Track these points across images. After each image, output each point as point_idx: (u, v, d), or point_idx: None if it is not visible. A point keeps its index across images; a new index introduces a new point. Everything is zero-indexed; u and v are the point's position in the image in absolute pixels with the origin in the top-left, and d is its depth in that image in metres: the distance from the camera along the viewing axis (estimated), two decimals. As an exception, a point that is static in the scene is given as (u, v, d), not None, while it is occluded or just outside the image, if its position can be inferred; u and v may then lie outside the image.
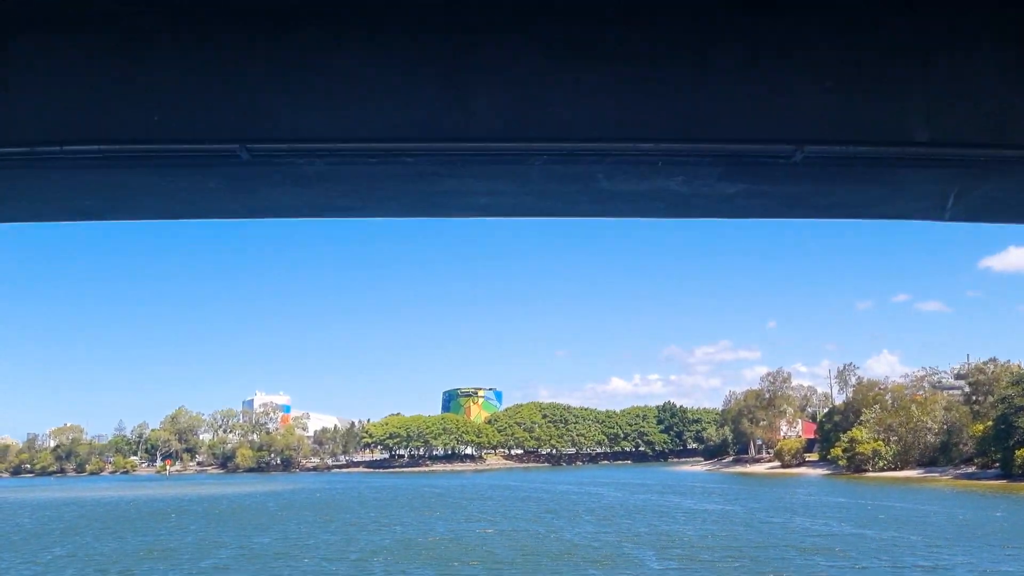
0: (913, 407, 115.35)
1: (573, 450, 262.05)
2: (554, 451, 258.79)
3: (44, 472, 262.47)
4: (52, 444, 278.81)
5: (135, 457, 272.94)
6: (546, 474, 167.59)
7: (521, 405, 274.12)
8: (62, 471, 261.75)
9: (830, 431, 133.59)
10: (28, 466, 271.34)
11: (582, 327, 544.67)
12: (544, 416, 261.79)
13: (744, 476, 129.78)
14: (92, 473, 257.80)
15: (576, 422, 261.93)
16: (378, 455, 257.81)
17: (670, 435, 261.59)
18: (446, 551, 39.35)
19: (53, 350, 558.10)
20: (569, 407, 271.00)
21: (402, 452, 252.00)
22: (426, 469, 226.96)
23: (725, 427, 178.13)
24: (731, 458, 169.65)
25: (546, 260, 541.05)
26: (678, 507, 61.72)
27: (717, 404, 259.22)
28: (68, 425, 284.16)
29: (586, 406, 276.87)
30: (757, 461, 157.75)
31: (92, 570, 35.73)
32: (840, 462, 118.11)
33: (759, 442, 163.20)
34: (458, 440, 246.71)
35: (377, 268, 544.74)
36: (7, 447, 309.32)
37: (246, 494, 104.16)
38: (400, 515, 61.59)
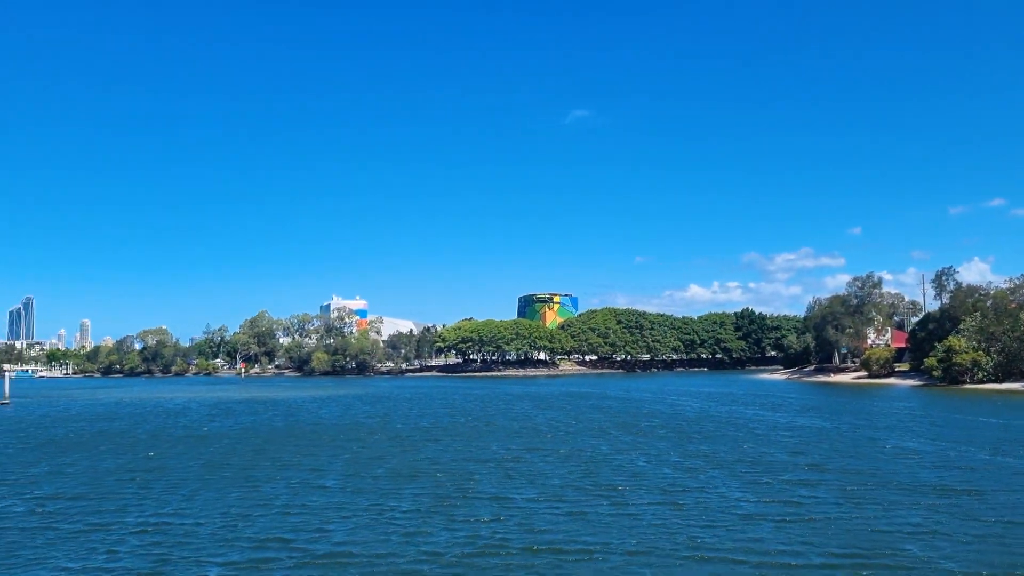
0: (1022, 314, 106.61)
1: (648, 357, 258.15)
2: (628, 358, 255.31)
3: (132, 373, 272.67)
4: (139, 346, 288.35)
5: (217, 360, 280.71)
6: (620, 380, 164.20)
7: (595, 311, 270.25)
8: (149, 372, 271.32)
9: (923, 340, 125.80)
10: (118, 367, 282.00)
11: (662, 233, 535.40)
12: (619, 322, 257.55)
13: (829, 386, 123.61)
14: (177, 374, 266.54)
15: (651, 328, 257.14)
16: (452, 359, 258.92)
17: (748, 342, 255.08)
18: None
19: (146, 255, 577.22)
20: (645, 313, 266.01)
21: (475, 356, 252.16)
22: (498, 374, 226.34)
23: (807, 334, 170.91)
24: (813, 367, 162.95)
25: (625, 166, 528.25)
26: (772, 423, 56.69)
27: (797, 312, 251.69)
28: (155, 328, 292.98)
29: (663, 312, 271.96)
30: (842, 370, 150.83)
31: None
32: (935, 373, 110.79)
33: (844, 350, 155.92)
34: (531, 345, 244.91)
35: (454, 171, 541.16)
36: (98, 349, 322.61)
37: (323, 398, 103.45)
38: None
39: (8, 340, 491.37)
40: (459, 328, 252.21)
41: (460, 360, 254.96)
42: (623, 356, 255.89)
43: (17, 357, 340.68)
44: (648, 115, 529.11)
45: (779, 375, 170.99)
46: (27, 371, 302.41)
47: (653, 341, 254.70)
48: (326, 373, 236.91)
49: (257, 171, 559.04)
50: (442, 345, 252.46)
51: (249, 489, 29.65)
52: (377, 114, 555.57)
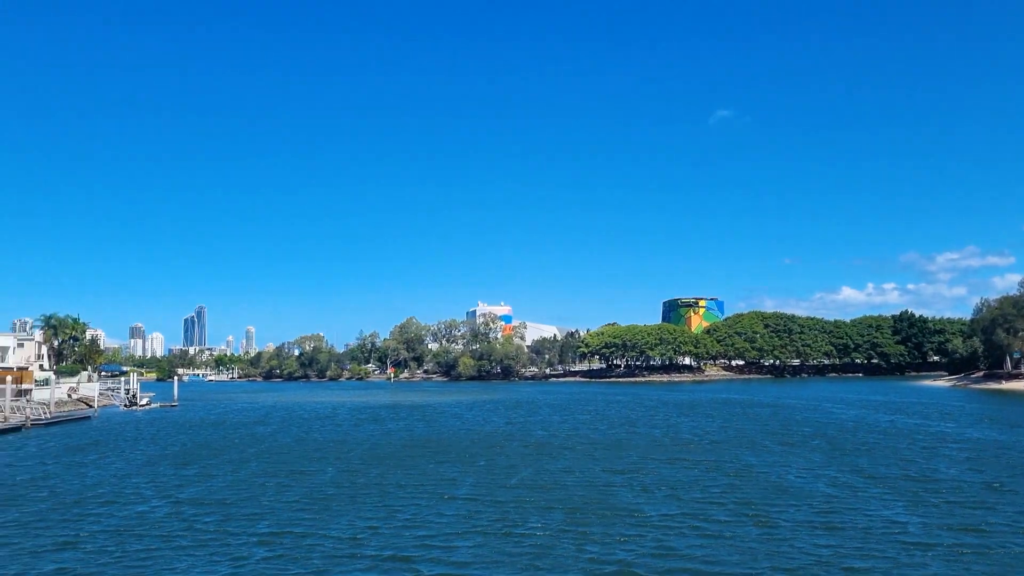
0: None
1: (797, 361, 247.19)
2: (777, 363, 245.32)
3: (290, 377, 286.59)
4: (297, 352, 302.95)
5: (368, 365, 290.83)
6: (769, 386, 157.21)
7: (742, 314, 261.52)
8: (306, 376, 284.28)
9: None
10: (277, 371, 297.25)
11: (811, 233, 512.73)
12: (766, 326, 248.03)
13: (1002, 393, 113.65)
14: (331, 379, 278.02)
15: (801, 332, 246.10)
16: (595, 364, 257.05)
17: (907, 347, 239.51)
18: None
19: (305, 265, 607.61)
20: (794, 316, 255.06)
21: (618, 362, 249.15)
22: (642, 379, 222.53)
23: (974, 338, 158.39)
24: (981, 373, 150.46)
25: (770, 165, 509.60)
26: (939, 435, 52.07)
27: (962, 314, 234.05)
28: (312, 335, 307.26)
29: (813, 316, 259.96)
30: (1015, 376, 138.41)
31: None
32: None
33: (1017, 355, 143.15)
34: (675, 350, 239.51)
35: (598, 175, 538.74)
36: (260, 354, 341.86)
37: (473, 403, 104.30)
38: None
39: (183, 346, 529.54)
40: (602, 333, 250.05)
41: (604, 365, 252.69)
42: (771, 361, 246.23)
43: (189, 362, 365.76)
44: (793, 112, 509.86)
45: (943, 382, 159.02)
46: (198, 375, 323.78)
47: (803, 345, 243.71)
48: (472, 378, 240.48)
49: (407, 184, 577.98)
50: (585, 350, 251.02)
51: (380, 498, 29.35)
52: (524, 121, 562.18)
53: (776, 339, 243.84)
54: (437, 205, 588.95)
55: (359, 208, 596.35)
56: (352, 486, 32.20)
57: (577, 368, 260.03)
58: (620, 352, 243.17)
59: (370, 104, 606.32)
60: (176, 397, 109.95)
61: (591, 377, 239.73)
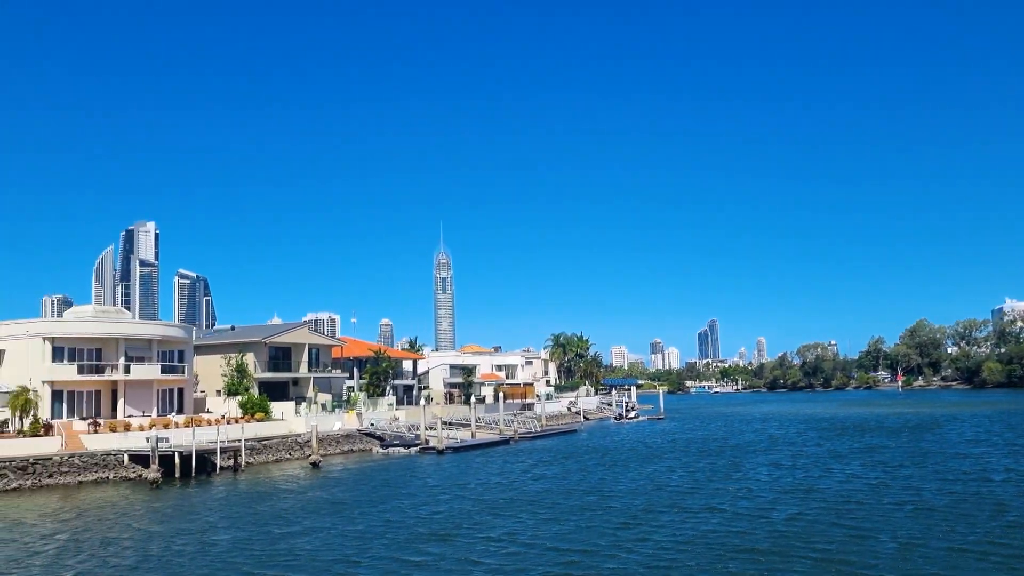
0: None
1: None
2: None
3: (794, 387, 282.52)
4: (798, 361, 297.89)
5: (879, 372, 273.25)
6: None
7: None
8: (810, 386, 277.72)
9: None
10: (781, 381, 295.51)
11: None
12: None
13: None
14: (837, 388, 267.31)
15: None
16: None
17: None
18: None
19: (812, 270, 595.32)
20: None
21: None
22: None
23: None
24: None
25: None
26: None
27: None
28: (814, 343, 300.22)
29: None
30: None
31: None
32: None
33: None
34: None
35: None
36: (763, 365, 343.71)
37: None
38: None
39: (697, 359, 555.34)
40: None
41: None
42: None
43: (697, 375, 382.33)
44: None
45: None
46: (703, 387, 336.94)
47: None
48: (999, 385, 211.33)
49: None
50: None
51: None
52: None
53: None
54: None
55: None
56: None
57: None
58: None
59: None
60: (662, 410, 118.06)
61: None
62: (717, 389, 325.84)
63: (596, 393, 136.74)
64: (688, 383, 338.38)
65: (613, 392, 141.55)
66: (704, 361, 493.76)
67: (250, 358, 69.75)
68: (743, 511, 31.56)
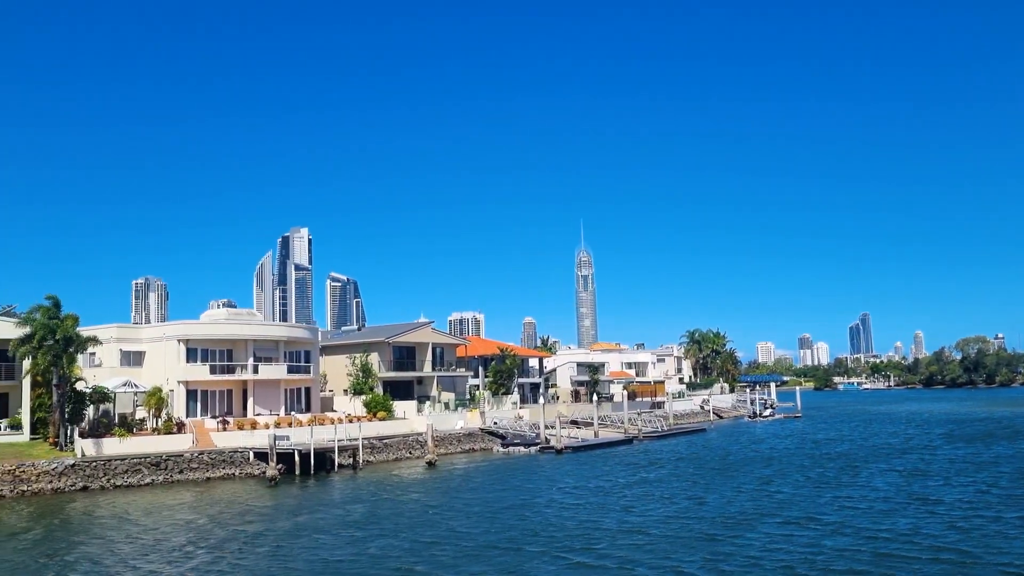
0: None
1: None
2: None
3: (953, 383, 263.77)
4: (958, 356, 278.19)
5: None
6: None
7: None
8: (971, 382, 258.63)
9: None
10: (938, 377, 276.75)
11: None
12: None
13: None
14: (1001, 384, 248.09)
15: None
16: None
17: None
18: None
19: (973, 258, 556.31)
20: None
21: None
22: None
23: None
24: None
25: None
26: None
27: None
28: (975, 336, 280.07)
29: None
30: None
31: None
32: None
33: None
34: None
35: None
36: (917, 360, 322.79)
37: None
38: None
39: (849, 354, 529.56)
40: None
41: None
42: None
43: (846, 370, 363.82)
44: None
45: None
46: (852, 383, 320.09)
47: None
48: None
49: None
50: None
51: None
52: None
53: None
54: None
55: None
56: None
57: None
58: None
59: None
60: (799, 408, 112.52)
61: None
62: (867, 385, 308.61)
63: (732, 390, 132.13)
64: (836, 379, 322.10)
65: (749, 390, 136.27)
66: (854, 356, 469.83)
67: (374, 358, 71.31)
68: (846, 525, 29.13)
